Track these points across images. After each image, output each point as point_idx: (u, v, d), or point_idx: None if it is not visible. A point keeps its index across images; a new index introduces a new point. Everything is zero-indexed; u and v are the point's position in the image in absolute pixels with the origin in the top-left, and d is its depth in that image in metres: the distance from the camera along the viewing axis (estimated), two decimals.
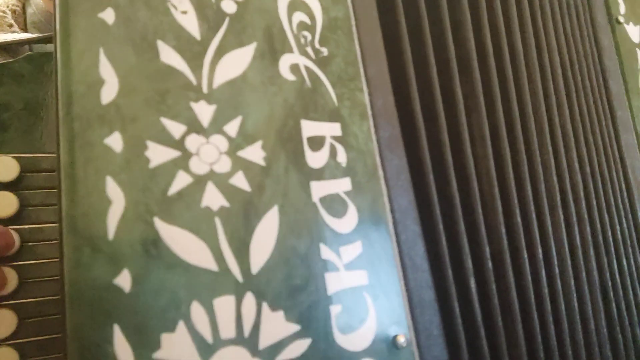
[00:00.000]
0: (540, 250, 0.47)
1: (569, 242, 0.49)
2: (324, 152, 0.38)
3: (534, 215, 0.47)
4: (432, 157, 0.44)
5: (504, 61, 0.50)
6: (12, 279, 0.49)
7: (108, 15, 0.33)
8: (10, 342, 0.45)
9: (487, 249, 0.44)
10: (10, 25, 0.67)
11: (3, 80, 0.52)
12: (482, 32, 0.49)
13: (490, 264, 0.44)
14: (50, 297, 0.48)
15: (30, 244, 0.49)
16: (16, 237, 0.48)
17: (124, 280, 0.29)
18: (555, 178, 0.50)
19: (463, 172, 0.45)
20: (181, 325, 0.30)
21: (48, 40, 0.59)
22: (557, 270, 0.47)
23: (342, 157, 0.38)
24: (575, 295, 0.48)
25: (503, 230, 0.45)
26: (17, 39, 0.59)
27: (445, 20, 0.47)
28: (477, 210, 0.44)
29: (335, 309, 0.35)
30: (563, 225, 0.49)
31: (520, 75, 0.51)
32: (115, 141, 0.31)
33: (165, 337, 0.29)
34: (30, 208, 0.50)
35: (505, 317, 0.43)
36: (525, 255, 0.46)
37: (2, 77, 0.52)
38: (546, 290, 0.46)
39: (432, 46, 0.46)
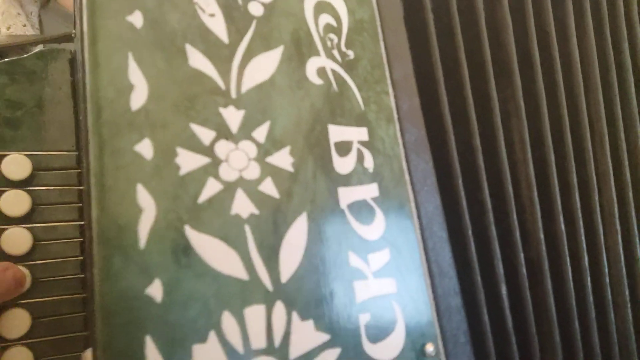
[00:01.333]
0: (586, 259, 0.46)
1: (626, 255, 0.49)
2: (352, 158, 0.37)
3: (581, 223, 0.47)
4: (462, 162, 0.43)
5: (554, 68, 0.49)
6: (26, 278, 0.48)
7: (136, 19, 0.32)
8: (24, 341, 0.45)
9: (522, 255, 0.44)
10: (24, 25, 0.66)
11: (15, 78, 0.52)
12: (528, 37, 0.48)
13: (524, 270, 0.43)
14: (65, 297, 0.48)
15: (43, 242, 0.48)
16: (29, 239, 0.48)
17: (155, 290, 0.29)
18: (613, 189, 0.50)
19: (498, 176, 0.45)
20: (212, 336, 0.29)
21: (63, 39, 0.58)
22: (607, 280, 0.47)
23: (369, 163, 0.38)
24: (629, 306, 0.48)
25: (541, 236, 0.45)
26: (32, 39, 0.59)
27: (481, 22, 0.46)
28: (512, 215, 0.44)
29: (364, 318, 0.34)
30: (619, 237, 0.49)
31: (576, 84, 0.50)
32: (145, 148, 0.30)
33: (196, 348, 0.29)
34: (43, 206, 0.49)
35: (540, 324, 0.43)
36: (568, 263, 0.45)
37: (14, 75, 0.52)
38: (591, 299, 0.45)
39: (464, 48, 0.45)
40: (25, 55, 0.52)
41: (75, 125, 0.50)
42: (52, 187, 0.50)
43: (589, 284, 0.47)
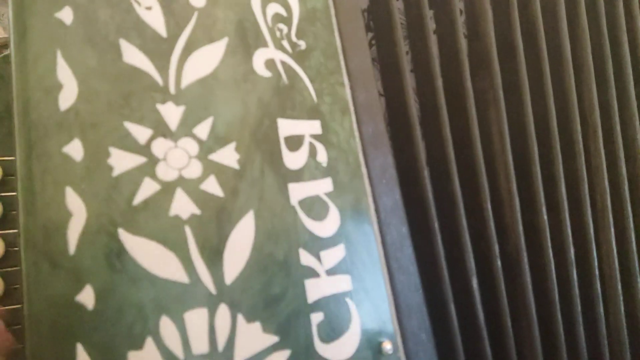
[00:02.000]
0: (572, 252, 0.45)
1: (620, 250, 0.48)
2: (303, 152, 0.36)
3: (567, 215, 0.45)
4: (432, 153, 0.42)
5: (540, 59, 0.47)
6: None
7: (66, 15, 0.31)
8: None
9: (496, 248, 0.42)
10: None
11: None
12: (511, 27, 0.46)
13: (499, 263, 0.42)
14: None
15: (16, 249, 0.47)
16: (1, 245, 0.47)
17: (86, 296, 0.28)
18: (606, 183, 0.48)
19: (472, 168, 0.43)
20: (149, 342, 0.28)
21: None
22: (596, 274, 0.46)
23: (322, 157, 0.36)
24: (621, 300, 0.46)
25: (520, 229, 0.43)
26: (3, 41, 0.58)
27: (456, 11, 0.45)
28: (487, 207, 0.42)
29: (316, 318, 0.33)
30: (612, 231, 0.48)
31: (567, 76, 0.48)
32: (74, 149, 0.29)
33: (132, 355, 0.28)
34: (14, 212, 0.48)
35: (518, 319, 0.42)
36: (551, 257, 0.44)
37: None
38: (577, 292, 0.44)
39: (438, 38, 0.44)
40: None
41: None
42: None
43: (575, 277, 0.46)
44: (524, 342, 0.42)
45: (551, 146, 0.46)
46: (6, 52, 0.56)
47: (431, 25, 0.46)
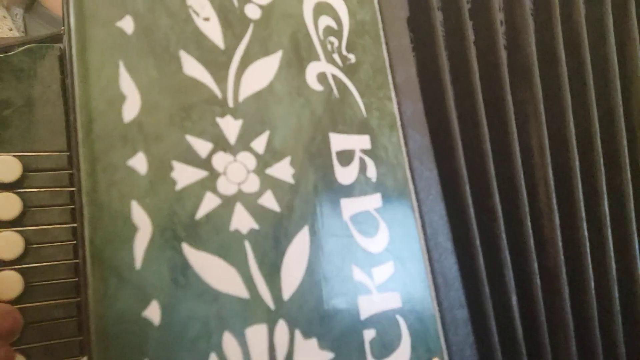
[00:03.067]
0: (614, 269, 0.45)
1: None
2: (354, 167, 0.36)
3: (609, 232, 0.46)
4: (472, 168, 0.42)
5: (585, 70, 0.47)
6: (17, 283, 0.47)
7: (127, 24, 0.31)
8: (17, 347, 0.44)
9: (535, 264, 0.43)
10: (10, 29, 0.64)
11: (2, 76, 0.50)
12: (554, 38, 0.46)
13: (538, 280, 0.42)
14: (58, 301, 0.47)
15: (35, 246, 0.47)
16: (20, 242, 0.47)
17: (153, 312, 0.28)
18: None
19: (511, 182, 0.43)
20: (213, 357, 0.28)
21: (50, 40, 0.56)
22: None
23: (372, 172, 0.37)
24: None
25: (560, 244, 0.43)
26: (19, 40, 0.57)
27: (496, 24, 0.44)
28: (526, 222, 0.43)
29: (368, 334, 0.33)
30: None
31: (613, 88, 0.48)
32: (139, 162, 0.29)
33: None
34: (34, 209, 0.48)
35: (556, 334, 0.42)
36: (591, 272, 0.44)
37: (1, 73, 0.50)
38: (617, 309, 0.45)
39: (476, 50, 0.44)
40: (11, 53, 0.50)
41: (65, 124, 0.48)
42: (43, 189, 0.48)
43: (616, 294, 0.46)
44: (560, 357, 0.43)
45: (593, 160, 0.46)
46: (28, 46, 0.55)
47: (471, 35, 0.45)
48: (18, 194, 0.47)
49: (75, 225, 0.47)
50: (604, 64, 0.49)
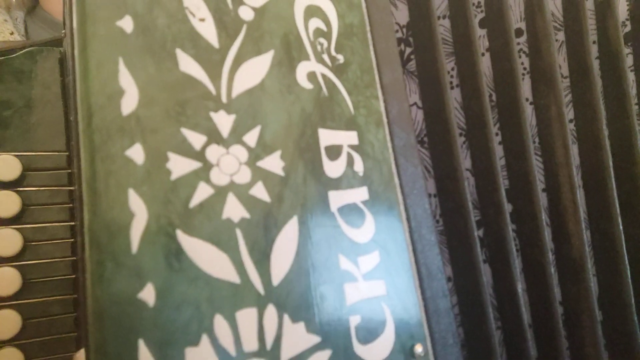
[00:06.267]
0: None
1: None
2: (342, 161, 0.38)
3: None
4: (477, 164, 0.45)
5: (622, 79, 0.50)
6: (15, 279, 0.48)
7: (126, 24, 0.32)
8: (14, 342, 0.45)
9: (550, 255, 0.46)
10: (11, 33, 0.65)
11: (3, 77, 0.51)
12: (585, 50, 0.49)
13: (552, 269, 0.45)
14: (55, 297, 0.48)
15: (33, 243, 0.48)
16: (19, 239, 0.48)
17: (148, 294, 0.29)
18: None
19: (526, 179, 0.46)
20: (205, 339, 0.30)
21: (51, 44, 0.58)
22: None
23: (359, 166, 0.38)
24: None
25: (585, 237, 0.46)
26: (20, 44, 0.58)
27: (510, 29, 0.47)
28: (540, 216, 0.46)
29: (354, 320, 0.35)
30: None
31: None
32: (136, 153, 0.31)
33: (189, 351, 0.29)
34: (33, 207, 0.49)
35: (578, 322, 0.45)
36: (626, 263, 0.47)
37: (2, 74, 0.51)
38: None
39: (490, 56, 0.47)
40: (13, 55, 0.52)
41: (65, 125, 0.50)
42: (42, 188, 0.50)
43: None
44: (585, 343, 0.45)
45: (635, 162, 0.49)
46: (28, 49, 0.57)
47: (484, 42, 0.49)
48: (17, 192, 0.48)
49: (73, 223, 0.48)
50: None
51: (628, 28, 0.52)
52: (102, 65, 0.31)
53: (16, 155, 0.49)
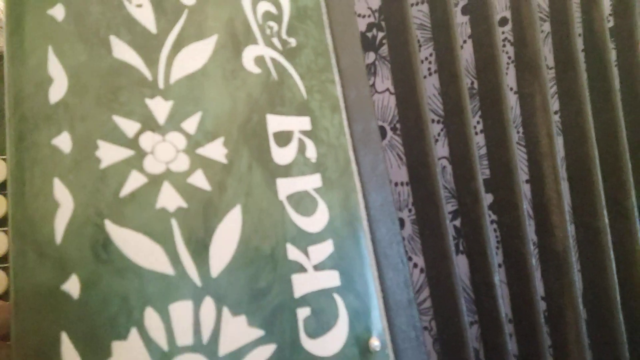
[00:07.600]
0: None
1: None
2: (292, 148, 0.36)
3: (637, 221, 0.46)
4: (454, 151, 0.44)
5: (608, 72, 0.48)
6: (3, 280, 0.49)
7: (58, 12, 0.32)
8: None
9: (531, 245, 0.44)
10: None
11: None
12: (570, 41, 0.48)
13: (533, 260, 0.44)
14: None
15: None
16: (7, 242, 0.48)
17: (72, 286, 0.28)
18: None
19: (507, 167, 0.45)
20: (134, 333, 0.28)
21: None
22: None
23: (311, 153, 0.37)
24: None
25: (569, 229, 0.44)
26: None
27: (492, 17, 0.46)
28: (521, 205, 0.44)
29: (302, 312, 0.33)
30: None
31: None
32: (63, 141, 0.30)
33: (116, 345, 0.28)
34: None
35: (561, 315, 0.43)
36: (611, 257, 0.45)
37: None
38: None
39: (474, 43, 0.46)
40: None
41: None
42: None
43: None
44: (569, 340, 0.43)
45: (620, 156, 0.47)
46: None
47: (466, 30, 0.48)
48: (5, 195, 0.49)
49: None
50: (628, 66, 0.49)
51: (611, 23, 0.51)
52: (31, 55, 0.31)
53: (4, 159, 0.49)
